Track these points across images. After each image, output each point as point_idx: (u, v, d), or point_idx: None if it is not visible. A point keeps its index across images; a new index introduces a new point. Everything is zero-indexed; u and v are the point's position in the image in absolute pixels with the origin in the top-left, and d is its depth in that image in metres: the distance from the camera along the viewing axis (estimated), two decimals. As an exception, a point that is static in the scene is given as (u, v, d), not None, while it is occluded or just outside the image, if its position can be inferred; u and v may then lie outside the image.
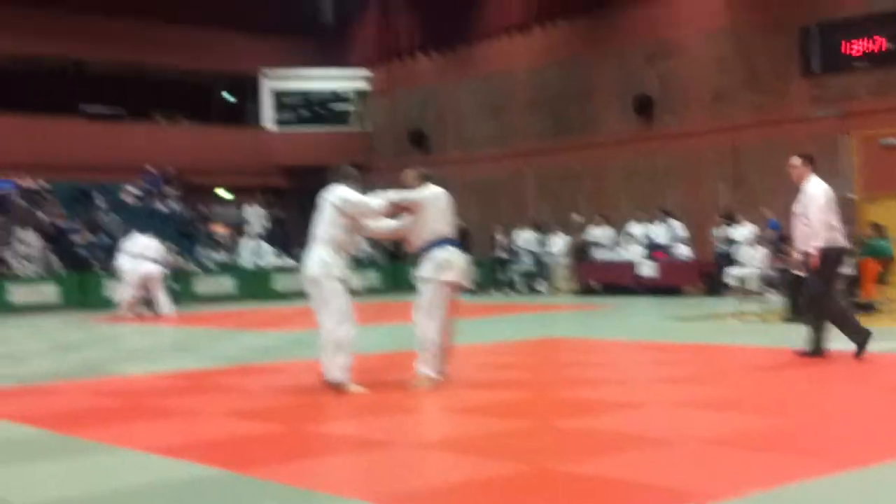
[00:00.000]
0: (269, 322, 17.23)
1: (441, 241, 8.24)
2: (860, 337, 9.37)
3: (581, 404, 7.38)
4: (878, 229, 15.12)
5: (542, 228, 25.03)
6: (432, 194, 8.35)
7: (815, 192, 9.49)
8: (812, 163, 9.76)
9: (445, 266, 8.18)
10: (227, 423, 7.03)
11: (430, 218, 8.25)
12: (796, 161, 9.77)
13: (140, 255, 18.89)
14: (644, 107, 25.01)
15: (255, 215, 28.04)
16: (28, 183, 26.41)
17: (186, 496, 5.03)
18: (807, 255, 9.50)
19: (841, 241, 9.62)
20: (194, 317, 18.94)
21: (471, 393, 8.00)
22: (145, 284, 18.95)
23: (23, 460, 5.98)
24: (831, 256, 9.49)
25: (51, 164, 27.05)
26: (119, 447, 6.18)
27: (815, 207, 9.42)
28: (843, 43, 21.54)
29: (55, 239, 24.42)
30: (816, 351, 9.50)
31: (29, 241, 23.76)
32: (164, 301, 19.02)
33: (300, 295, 26.05)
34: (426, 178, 8.49)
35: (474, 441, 6.08)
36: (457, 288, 8.32)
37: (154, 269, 18.91)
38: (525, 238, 24.86)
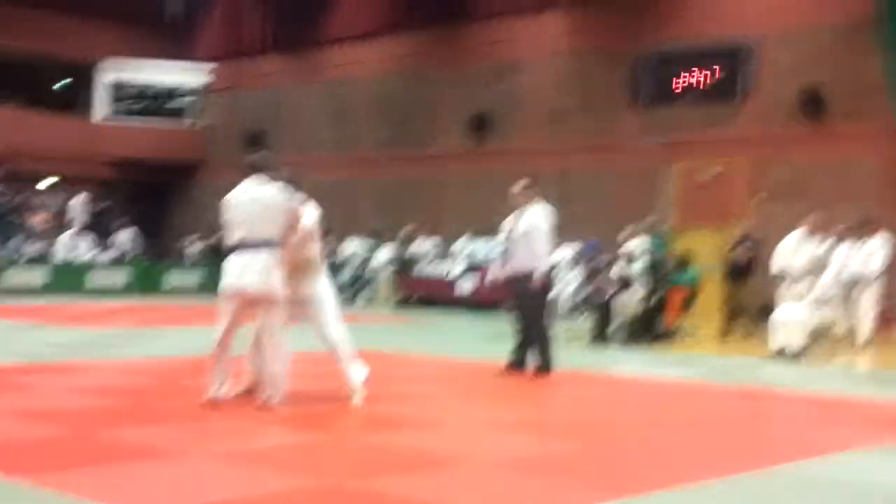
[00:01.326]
0: (77, 318, 16.54)
1: (231, 250, 7.53)
2: (547, 366, 9.94)
3: (383, 420, 7.36)
4: (682, 260, 15.59)
5: (373, 238, 24.95)
6: (226, 201, 7.59)
7: (540, 217, 10.01)
8: (536, 188, 10.24)
9: (224, 276, 7.53)
10: (8, 424, 6.71)
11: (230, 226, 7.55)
12: (523, 185, 10.18)
13: None
14: (481, 124, 25.37)
15: (79, 207, 26.89)
16: None
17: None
18: (523, 276, 9.92)
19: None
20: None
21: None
22: None
23: None
24: (550, 279, 10.23)
25: None
26: None
27: (541, 233, 9.93)
28: (672, 76, 22.35)
29: None
30: (519, 364, 10.08)
31: None
32: None
33: (116, 292, 24.96)
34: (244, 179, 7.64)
35: (266, 454, 5.98)
36: (236, 297, 7.44)
37: None
38: (352, 247, 24.69)
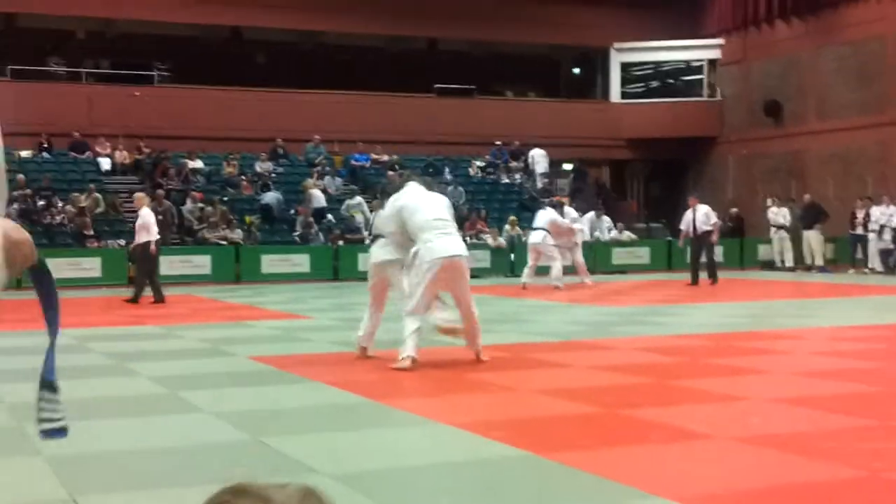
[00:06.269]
0: (602, 297, 16.80)
1: None
2: None
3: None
4: None
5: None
6: None
7: None
8: None
9: None
10: (541, 401, 6.83)
11: None
12: None
13: (536, 227, 19.00)
14: None
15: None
16: (381, 156, 27.76)
17: (481, 478, 4.87)
18: None
19: None
20: (526, 289, 18.19)
21: (804, 382, 7.35)
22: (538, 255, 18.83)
23: (336, 429, 6.06)
24: None
25: (404, 138, 28.27)
26: (429, 420, 6.15)
27: None
28: None
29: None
30: None
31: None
32: (554, 271, 18.50)
33: (636, 267, 25.08)
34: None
35: (801, 438, 5.51)
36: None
37: (536, 240, 18.89)
38: (886, 213, 22.81)
